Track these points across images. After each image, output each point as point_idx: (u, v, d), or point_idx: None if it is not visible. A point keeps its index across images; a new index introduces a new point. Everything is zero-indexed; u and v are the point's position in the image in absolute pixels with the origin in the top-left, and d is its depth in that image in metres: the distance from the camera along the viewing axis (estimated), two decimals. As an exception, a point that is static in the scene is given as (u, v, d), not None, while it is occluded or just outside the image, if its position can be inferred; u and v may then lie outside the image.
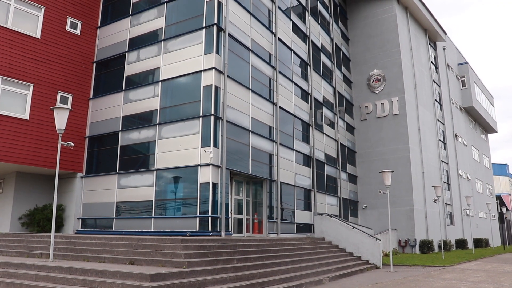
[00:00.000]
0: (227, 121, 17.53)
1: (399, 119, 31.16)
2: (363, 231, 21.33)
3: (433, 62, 39.81)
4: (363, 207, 31.48)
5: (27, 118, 18.89)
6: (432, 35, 39.60)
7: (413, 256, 25.65)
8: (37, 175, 21.04)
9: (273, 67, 22.14)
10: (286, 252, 16.22)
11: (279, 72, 22.56)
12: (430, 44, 39.56)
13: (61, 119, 13.38)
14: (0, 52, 18.31)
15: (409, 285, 13.49)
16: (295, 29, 25.59)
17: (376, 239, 20.54)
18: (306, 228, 23.44)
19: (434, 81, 38.47)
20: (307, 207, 24.14)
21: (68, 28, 21.11)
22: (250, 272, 12.42)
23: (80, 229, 20.35)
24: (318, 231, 22.46)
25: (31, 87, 19.19)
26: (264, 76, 21.36)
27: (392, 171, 20.16)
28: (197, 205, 16.46)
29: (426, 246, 28.75)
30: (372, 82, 32.88)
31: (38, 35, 19.81)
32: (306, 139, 25.05)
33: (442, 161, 36.67)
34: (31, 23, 19.76)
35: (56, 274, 10.75)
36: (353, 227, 21.49)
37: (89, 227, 20.20)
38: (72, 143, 14.31)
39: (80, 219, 20.46)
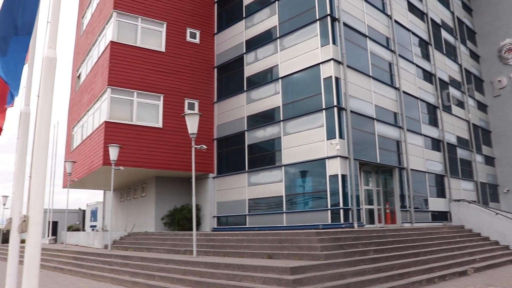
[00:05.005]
0: (350, 111, 17.17)
1: (540, 91, 27.94)
2: (508, 217, 19.52)
3: None
4: (505, 191, 28.75)
5: (161, 126, 20.44)
6: None
7: None
8: (173, 178, 22.66)
9: (392, 51, 21.20)
10: (424, 242, 15.47)
11: (399, 55, 21.51)
12: None
13: (192, 124, 14.22)
14: (133, 68, 20.08)
15: None
16: (411, 8, 24.20)
17: (526, 225, 18.68)
18: (442, 216, 22.08)
19: None
20: (441, 193, 22.73)
21: (188, 38, 22.40)
22: (388, 263, 12.05)
23: (216, 226, 21.48)
24: (455, 218, 21.12)
25: (162, 98, 20.71)
26: (383, 61, 20.55)
27: (539, 149, 18.11)
28: (327, 198, 16.38)
29: None
30: (504, 53, 29.86)
31: (163, 49, 21.32)
32: (434, 122, 23.60)
33: None
34: (156, 39, 21.34)
35: (201, 268, 11.47)
36: (496, 213, 19.79)
37: (223, 225, 21.24)
38: (204, 146, 15.10)
39: (215, 217, 21.60)
